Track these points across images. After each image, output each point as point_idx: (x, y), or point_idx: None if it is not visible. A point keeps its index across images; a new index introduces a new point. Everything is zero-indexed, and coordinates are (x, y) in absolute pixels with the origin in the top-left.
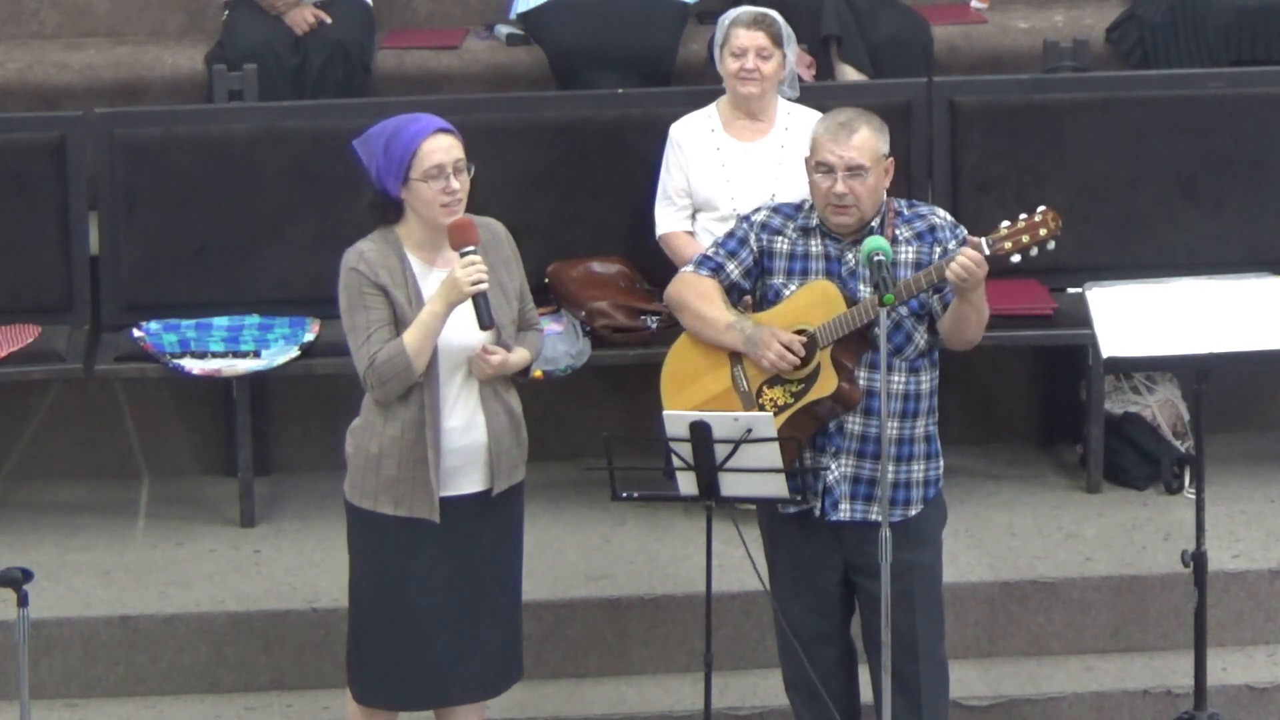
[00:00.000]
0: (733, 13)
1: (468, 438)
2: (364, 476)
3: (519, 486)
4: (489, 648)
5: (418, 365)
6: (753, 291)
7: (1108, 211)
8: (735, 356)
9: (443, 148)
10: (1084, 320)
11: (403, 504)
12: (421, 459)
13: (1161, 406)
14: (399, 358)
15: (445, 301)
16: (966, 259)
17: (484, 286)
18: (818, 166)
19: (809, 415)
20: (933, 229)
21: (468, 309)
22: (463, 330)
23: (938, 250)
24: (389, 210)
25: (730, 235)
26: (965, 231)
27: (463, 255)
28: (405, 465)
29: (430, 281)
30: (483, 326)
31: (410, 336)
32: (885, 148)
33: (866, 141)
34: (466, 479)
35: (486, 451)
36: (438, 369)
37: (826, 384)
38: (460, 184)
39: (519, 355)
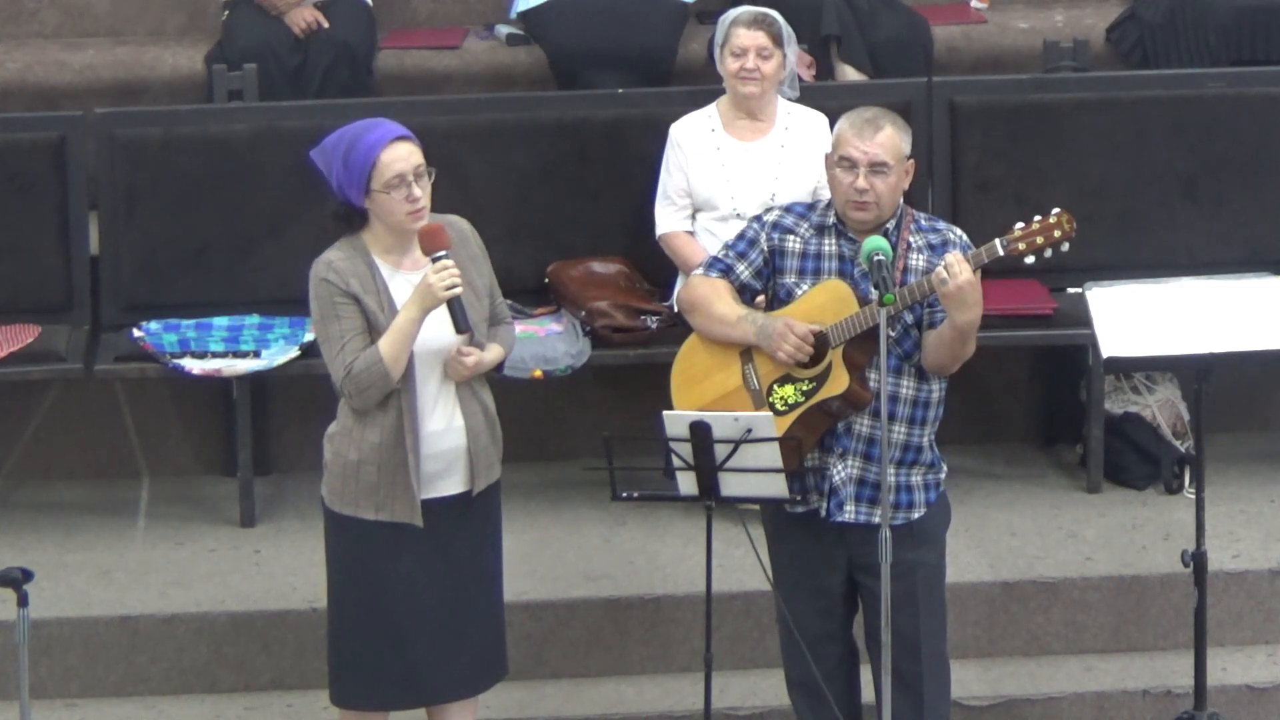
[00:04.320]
0: (733, 12)
1: (448, 440)
2: (344, 483)
3: (496, 485)
4: (472, 646)
5: (395, 372)
6: (765, 292)
7: (1108, 211)
8: (746, 354)
9: (402, 156)
10: (1084, 320)
11: (384, 509)
12: (402, 464)
13: (1161, 406)
14: (376, 366)
15: (420, 307)
16: (951, 258)
17: (458, 291)
18: (840, 161)
19: (820, 414)
20: (946, 244)
21: (442, 310)
22: (437, 333)
23: None
24: (354, 218)
25: (740, 237)
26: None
27: (434, 260)
28: (385, 471)
29: (398, 283)
30: (459, 330)
31: (386, 344)
32: (907, 148)
33: (890, 139)
34: (446, 481)
35: (466, 453)
36: (415, 373)
37: (838, 383)
38: (422, 190)
39: (493, 353)
